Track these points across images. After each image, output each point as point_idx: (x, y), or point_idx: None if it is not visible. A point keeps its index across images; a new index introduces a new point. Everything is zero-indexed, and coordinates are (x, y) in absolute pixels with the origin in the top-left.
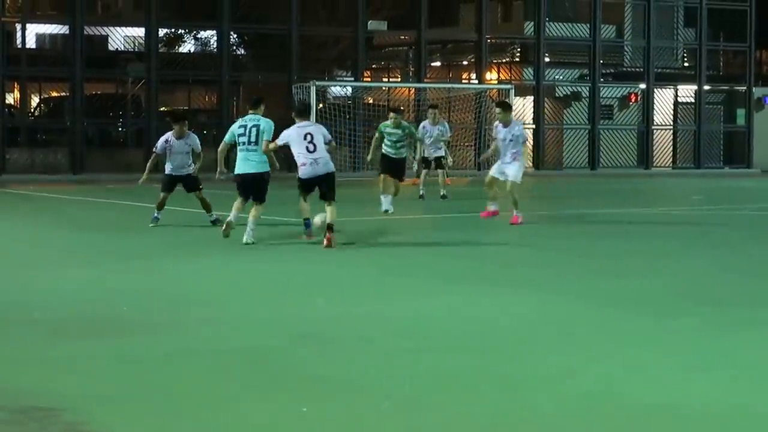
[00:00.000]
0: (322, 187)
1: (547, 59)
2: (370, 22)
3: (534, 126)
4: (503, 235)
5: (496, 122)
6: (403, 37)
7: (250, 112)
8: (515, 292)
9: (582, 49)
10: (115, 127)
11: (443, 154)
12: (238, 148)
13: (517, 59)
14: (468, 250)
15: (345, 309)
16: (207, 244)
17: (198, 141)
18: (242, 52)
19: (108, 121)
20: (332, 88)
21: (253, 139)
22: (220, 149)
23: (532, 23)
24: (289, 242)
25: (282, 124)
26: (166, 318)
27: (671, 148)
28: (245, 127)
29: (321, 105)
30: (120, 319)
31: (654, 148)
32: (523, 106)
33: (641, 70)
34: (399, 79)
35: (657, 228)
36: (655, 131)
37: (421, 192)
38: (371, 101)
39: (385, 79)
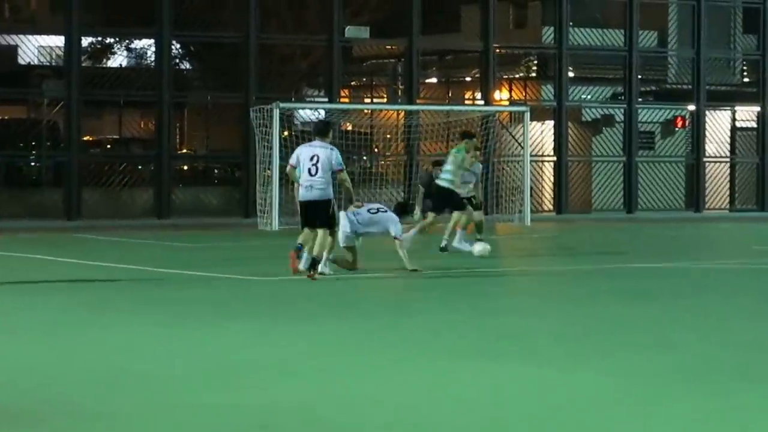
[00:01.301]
0: (312, 213)
1: (571, 74)
2: (348, 28)
3: (555, 158)
4: (516, 299)
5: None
6: (389, 47)
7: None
8: (536, 371)
9: (615, 62)
10: (26, 161)
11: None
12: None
13: (534, 74)
14: (474, 316)
15: (320, 391)
16: (141, 301)
17: None
18: (187, 66)
19: (18, 153)
20: (300, 111)
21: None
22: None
23: (552, 29)
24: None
25: (236, 154)
26: (93, 405)
27: (728, 186)
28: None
29: (286, 133)
30: (29, 410)
31: (706, 185)
32: (542, 134)
33: (690, 87)
34: (385, 100)
35: (709, 287)
36: (707, 164)
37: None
38: (350, 127)
39: (368, 100)
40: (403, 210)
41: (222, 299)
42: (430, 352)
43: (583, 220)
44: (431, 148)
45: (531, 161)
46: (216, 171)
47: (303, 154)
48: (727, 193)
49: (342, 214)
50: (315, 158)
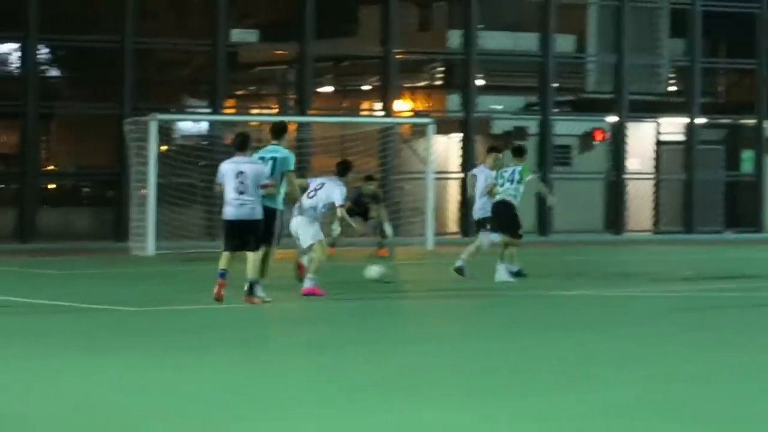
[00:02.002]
0: (244, 233)
1: (480, 82)
2: (233, 31)
3: (461, 175)
4: (414, 331)
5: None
6: (279, 52)
7: (273, 142)
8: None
9: (529, 68)
10: None
11: None
12: None
13: (439, 82)
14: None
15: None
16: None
17: None
18: (56, 73)
19: None
20: (180, 123)
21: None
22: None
23: (459, 33)
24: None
25: (110, 171)
26: None
27: (652, 206)
28: (263, 159)
29: (165, 148)
30: None
31: (628, 205)
32: (447, 148)
33: (611, 96)
34: (275, 110)
35: (631, 318)
36: (629, 182)
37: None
38: None
39: (255, 111)
40: (345, 168)
41: (87, 331)
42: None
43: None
44: (324, 164)
45: (435, 179)
46: (86, 190)
47: (227, 171)
48: (651, 213)
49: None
50: (240, 175)
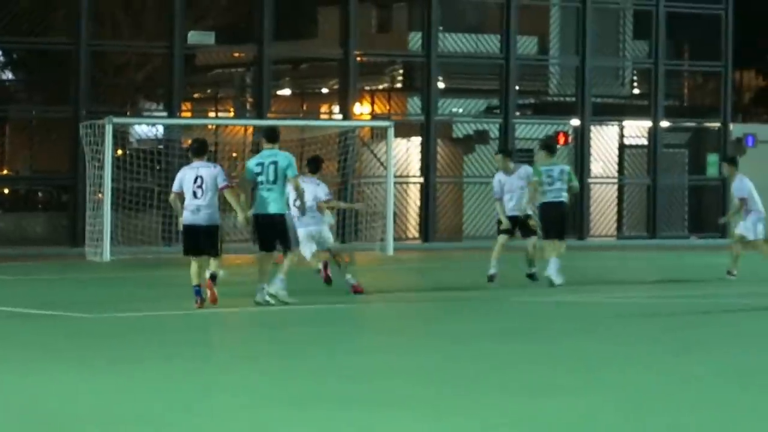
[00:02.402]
0: (201, 240)
1: (440, 85)
2: (191, 33)
3: (422, 179)
4: (375, 338)
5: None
6: (237, 54)
7: (266, 147)
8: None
9: (490, 71)
10: None
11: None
12: (259, 187)
13: (399, 85)
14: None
15: None
16: None
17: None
18: (9, 76)
19: None
20: (136, 126)
21: (271, 177)
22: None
23: (420, 34)
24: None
25: (64, 175)
26: None
27: (615, 210)
28: (262, 164)
29: (120, 152)
30: None
31: (591, 209)
32: (407, 152)
33: (573, 99)
34: (231, 114)
35: (594, 324)
36: (592, 186)
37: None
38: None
39: (212, 114)
40: (318, 164)
41: (41, 339)
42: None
43: (452, 249)
44: None
45: (395, 183)
46: (40, 194)
47: (185, 176)
48: (615, 218)
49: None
50: (199, 179)
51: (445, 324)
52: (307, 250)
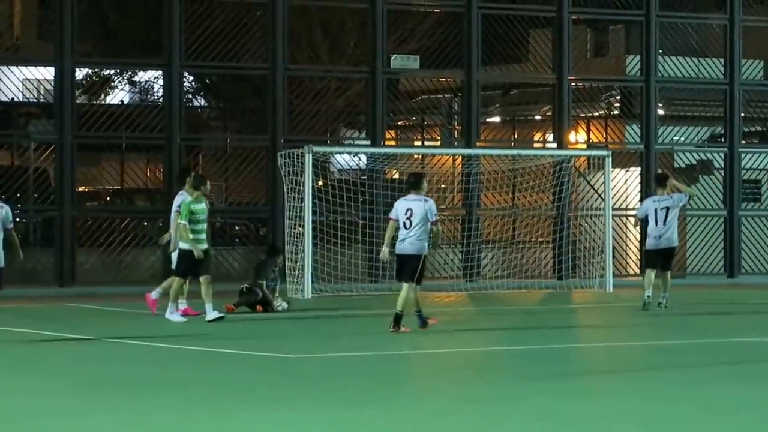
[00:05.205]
0: (404, 267)
1: (660, 111)
2: (393, 57)
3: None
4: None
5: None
6: (443, 80)
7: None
8: None
9: (713, 97)
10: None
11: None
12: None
13: (616, 111)
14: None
15: None
16: None
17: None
18: (202, 102)
19: None
20: (338, 156)
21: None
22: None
23: (638, 58)
24: None
25: (261, 207)
26: None
27: None
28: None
29: (321, 182)
30: None
31: None
32: (626, 183)
33: None
34: (438, 143)
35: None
36: None
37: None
38: (397, 175)
39: (418, 143)
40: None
41: (241, 379)
42: None
43: (675, 286)
44: (494, 200)
45: (613, 215)
46: (236, 228)
47: (398, 208)
48: None
49: None
50: (408, 212)
51: (651, 366)
52: None
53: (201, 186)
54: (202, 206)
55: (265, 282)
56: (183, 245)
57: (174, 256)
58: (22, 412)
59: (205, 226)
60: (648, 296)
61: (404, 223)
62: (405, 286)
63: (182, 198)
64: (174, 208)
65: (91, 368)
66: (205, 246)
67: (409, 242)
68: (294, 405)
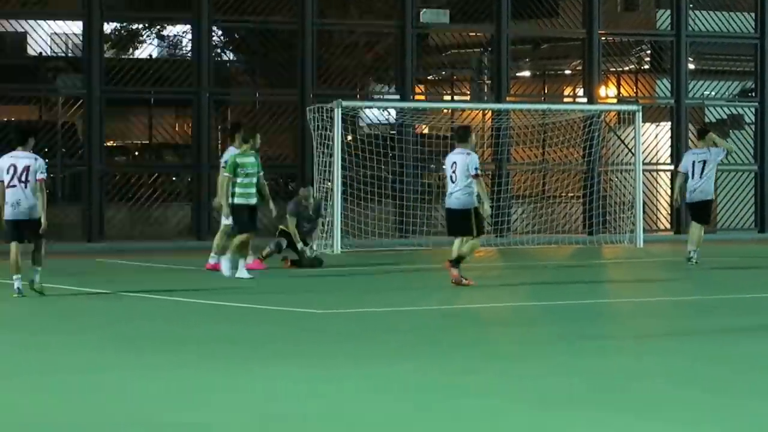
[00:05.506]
0: (457, 223)
1: (691, 66)
2: (423, 11)
3: (672, 166)
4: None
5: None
6: (474, 35)
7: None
8: None
9: (744, 51)
10: None
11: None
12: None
13: (647, 66)
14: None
15: None
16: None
17: None
18: (231, 57)
19: None
20: (367, 110)
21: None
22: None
23: (669, 12)
24: None
25: (289, 162)
26: None
27: None
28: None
29: (350, 137)
30: None
31: None
32: (656, 138)
33: None
34: (468, 97)
35: None
36: None
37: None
38: (426, 130)
39: (448, 98)
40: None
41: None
42: None
43: (706, 240)
44: (524, 155)
45: (644, 171)
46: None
47: (447, 161)
48: None
49: None
50: (454, 165)
51: (695, 321)
52: None
53: (250, 139)
54: (251, 159)
55: (302, 224)
56: (237, 200)
57: (223, 216)
58: (38, 367)
59: (254, 180)
60: (691, 251)
61: (450, 177)
62: (456, 241)
63: (230, 153)
64: (222, 163)
65: (114, 324)
66: (254, 201)
67: (455, 197)
68: (323, 361)
